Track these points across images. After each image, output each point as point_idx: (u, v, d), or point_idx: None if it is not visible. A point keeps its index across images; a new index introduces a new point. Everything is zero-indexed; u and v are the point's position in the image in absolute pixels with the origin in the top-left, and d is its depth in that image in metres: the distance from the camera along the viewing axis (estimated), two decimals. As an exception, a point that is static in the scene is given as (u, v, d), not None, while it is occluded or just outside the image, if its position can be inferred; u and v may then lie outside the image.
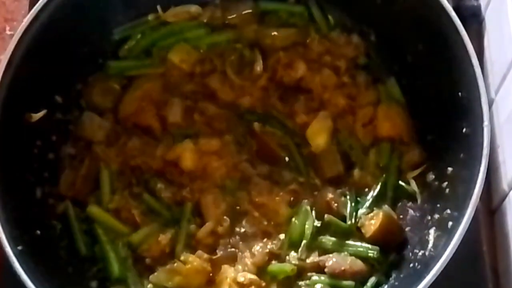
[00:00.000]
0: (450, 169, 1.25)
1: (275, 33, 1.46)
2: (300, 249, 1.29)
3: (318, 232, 1.31)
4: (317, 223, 1.31)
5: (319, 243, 1.30)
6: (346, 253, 1.28)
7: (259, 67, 1.44)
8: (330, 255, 1.28)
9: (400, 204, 1.34)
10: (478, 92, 1.18)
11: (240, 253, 1.30)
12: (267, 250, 1.30)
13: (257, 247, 1.30)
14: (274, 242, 1.31)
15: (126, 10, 1.44)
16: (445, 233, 1.16)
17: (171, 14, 1.47)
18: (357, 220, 1.32)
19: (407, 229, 1.31)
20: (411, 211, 1.33)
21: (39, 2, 1.27)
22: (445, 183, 1.25)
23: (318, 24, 1.48)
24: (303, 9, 1.48)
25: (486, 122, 1.16)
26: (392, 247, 1.28)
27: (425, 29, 1.31)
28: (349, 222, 1.31)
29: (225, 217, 1.33)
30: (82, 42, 1.39)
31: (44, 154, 1.34)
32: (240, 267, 1.28)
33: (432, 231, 1.22)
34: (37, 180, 1.30)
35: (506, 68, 1.33)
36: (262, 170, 1.38)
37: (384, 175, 1.36)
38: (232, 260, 1.30)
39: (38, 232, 1.24)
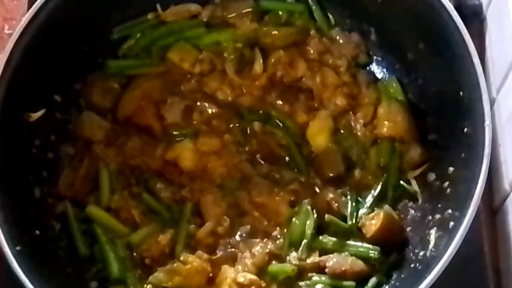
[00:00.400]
0: (451, 168, 1.24)
1: (275, 32, 1.46)
2: (300, 249, 1.29)
3: (318, 232, 1.30)
4: (318, 223, 1.30)
5: (319, 243, 1.29)
6: (346, 253, 1.27)
7: (259, 66, 1.44)
8: (331, 255, 1.27)
9: (401, 204, 1.34)
10: (479, 91, 1.17)
11: (240, 253, 1.29)
12: (267, 250, 1.29)
13: (257, 247, 1.29)
14: (274, 242, 1.31)
15: (126, 9, 1.44)
16: (447, 233, 1.15)
17: (171, 13, 1.46)
18: (358, 220, 1.31)
19: (408, 229, 1.30)
20: (412, 211, 1.32)
21: (38, 1, 1.27)
22: (446, 183, 1.25)
23: (318, 23, 1.47)
24: (303, 8, 1.47)
25: (487, 122, 1.15)
26: (393, 247, 1.27)
27: (426, 28, 1.30)
28: (349, 222, 1.31)
29: (225, 217, 1.32)
30: (81, 41, 1.38)
31: (43, 153, 1.33)
32: (240, 267, 1.28)
33: (433, 231, 1.22)
34: (36, 180, 1.29)
35: (508, 67, 1.32)
36: (262, 170, 1.37)
37: (385, 175, 1.35)
38: (232, 260, 1.29)
39: (37, 232, 1.23)
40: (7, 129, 1.23)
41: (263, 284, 1.26)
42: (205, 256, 1.27)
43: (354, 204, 1.33)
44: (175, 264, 1.25)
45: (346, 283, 1.24)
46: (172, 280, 1.25)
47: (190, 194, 1.34)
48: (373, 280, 1.25)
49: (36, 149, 1.31)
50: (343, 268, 1.24)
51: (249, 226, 1.32)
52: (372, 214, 1.30)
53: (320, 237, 1.30)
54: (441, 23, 1.25)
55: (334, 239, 1.29)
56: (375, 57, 1.46)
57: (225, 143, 1.39)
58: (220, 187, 1.36)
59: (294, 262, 1.28)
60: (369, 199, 1.34)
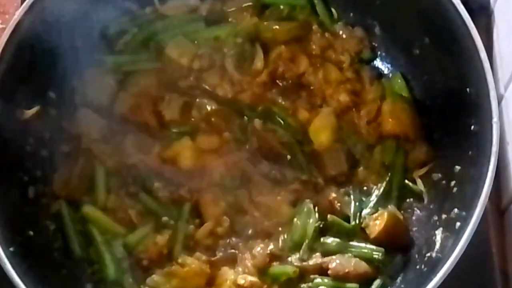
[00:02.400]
0: (457, 167, 1.23)
1: (276, 26, 1.45)
2: (302, 250, 1.27)
3: (320, 232, 1.29)
4: (320, 223, 1.29)
5: (321, 244, 1.28)
6: (350, 254, 1.26)
7: (259, 62, 1.43)
8: (334, 256, 1.26)
9: (406, 203, 1.33)
10: (486, 87, 1.17)
11: (240, 255, 1.28)
12: (268, 251, 1.28)
13: (258, 248, 1.28)
14: (275, 243, 1.29)
15: (122, 3, 1.43)
16: (453, 234, 1.14)
17: (169, 7, 1.46)
18: (361, 220, 1.30)
19: (413, 229, 1.29)
20: (417, 211, 1.31)
21: (31, -6, 1.26)
22: (453, 182, 1.24)
23: (320, 18, 1.46)
24: (305, 1, 1.47)
25: (495, 119, 1.15)
26: (398, 249, 1.27)
27: (431, 22, 1.29)
28: (353, 223, 1.30)
29: (224, 217, 1.31)
30: (77, 36, 1.36)
31: (37, 152, 1.31)
32: (240, 269, 1.26)
33: (439, 231, 1.21)
34: (30, 179, 1.28)
35: (516, 62, 1.31)
36: (263, 168, 1.36)
37: (389, 174, 1.34)
38: (232, 261, 1.28)
39: (31, 232, 1.22)
40: (0, 127, 1.21)
41: (264, 286, 1.25)
42: (204, 257, 1.26)
43: (357, 203, 1.32)
44: (173, 267, 1.24)
45: (349, 285, 1.23)
46: (170, 282, 1.23)
47: (189, 194, 1.33)
48: (377, 282, 1.24)
49: (30, 147, 1.30)
50: (346, 270, 1.23)
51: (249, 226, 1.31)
52: (376, 214, 1.29)
53: (323, 238, 1.29)
54: (447, 17, 1.24)
55: (337, 240, 1.28)
56: (379, 53, 1.46)
57: (224, 141, 1.38)
58: (220, 186, 1.34)
59: (295, 263, 1.27)
60: (373, 199, 1.33)
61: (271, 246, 1.28)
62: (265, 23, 1.45)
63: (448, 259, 1.08)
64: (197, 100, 1.40)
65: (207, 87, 1.42)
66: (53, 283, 1.18)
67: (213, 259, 1.27)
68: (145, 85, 1.41)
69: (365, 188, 1.34)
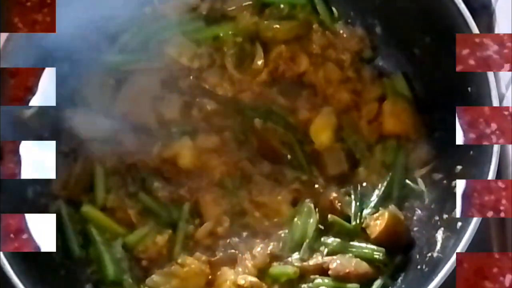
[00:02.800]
0: (459, 167, 1.23)
1: (277, 25, 1.44)
2: (302, 249, 1.27)
3: (321, 232, 1.29)
4: (320, 223, 1.29)
5: (322, 244, 1.28)
6: (350, 254, 1.26)
7: (260, 61, 1.42)
8: (334, 257, 1.26)
9: (406, 203, 1.33)
10: (488, 87, 1.17)
11: (240, 255, 1.28)
12: (268, 252, 1.28)
13: (258, 248, 1.28)
14: (276, 243, 1.29)
15: (122, 2, 1.40)
16: (454, 234, 1.14)
17: (169, 7, 1.45)
18: (362, 220, 1.30)
19: (414, 229, 1.29)
20: (418, 211, 1.31)
21: (31, -7, 1.25)
22: (454, 182, 1.23)
23: (321, 16, 1.46)
24: (306, 0, 1.46)
25: None
26: (399, 249, 1.26)
27: (433, 21, 1.29)
28: (353, 223, 1.30)
29: (224, 217, 1.31)
30: (76, 35, 1.34)
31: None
32: (240, 269, 1.26)
33: (440, 231, 1.21)
34: (28, 179, 1.24)
35: (518, 62, 1.30)
36: (263, 168, 1.36)
37: (390, 174, 1.34)
38: (232, 262, 1.28)
39: None
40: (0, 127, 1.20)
41: (264, 287, 1.25)
42: (204, 257, 1.26)
43: (358, 203, 1.32)
44: (173, 267, 1.24)
45: (350, 285, 1.23)
46: (169, 283, 1.23)
47: (189, 194, 1.33)
48: (378, 283, 1.24)
49: (29, 147, 1.29)
50: (347, 270, 1.23)
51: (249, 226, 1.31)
52: (377, 214, 1.29)
53: (323, 238, 1.29)
54: (448, 17, 1.24)
55: (337, 240, 1.28)
56: (380, 52, 1.45)
57: (224, 140, 1.37)
58: (220, 186, 1.34)
59: (296, 263, 1.27)
60: (374, 199, 1.32)
61: (271, 246, 1.28)
62: (265, 22, 1.44)
63: (449, 259, 1.07)
64: (197, 99, 1.40)
65: (207, 86, 1.42)
66: (52, 283, 1.18)
67: (213, 259, 1.27)
68: (145, 85, 1.40)
69: (365, 188, 1.34)
